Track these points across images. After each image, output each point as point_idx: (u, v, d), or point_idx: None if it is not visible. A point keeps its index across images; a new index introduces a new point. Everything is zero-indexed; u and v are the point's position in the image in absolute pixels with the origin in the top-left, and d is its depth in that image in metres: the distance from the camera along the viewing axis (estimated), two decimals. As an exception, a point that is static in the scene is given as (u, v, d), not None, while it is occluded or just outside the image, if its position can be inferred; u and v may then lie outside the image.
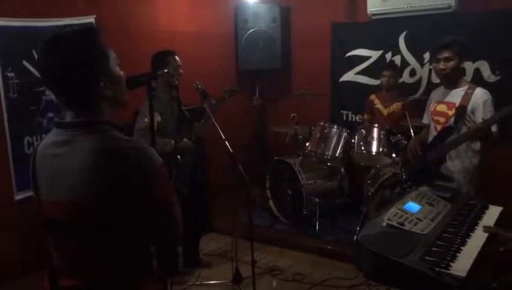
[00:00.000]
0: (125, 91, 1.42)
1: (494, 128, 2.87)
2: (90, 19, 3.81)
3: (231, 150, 2.98)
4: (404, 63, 4.66)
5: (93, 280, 1.32)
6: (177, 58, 3.45)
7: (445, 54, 3.01)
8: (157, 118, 3.27)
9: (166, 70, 2.76)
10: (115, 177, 1.25)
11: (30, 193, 1.43)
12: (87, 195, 1.25)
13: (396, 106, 4.27)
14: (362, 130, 4.09)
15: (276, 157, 4.63)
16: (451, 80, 3.12)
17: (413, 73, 4.65)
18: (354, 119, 5.02)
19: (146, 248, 1.40)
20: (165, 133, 3.27)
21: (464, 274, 1.66)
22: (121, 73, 1.40)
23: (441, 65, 3.03)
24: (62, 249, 1.34)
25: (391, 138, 4.02)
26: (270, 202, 4.66)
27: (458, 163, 3.08)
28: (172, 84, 3.24)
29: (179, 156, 3.34)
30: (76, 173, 1.25)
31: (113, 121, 1.35)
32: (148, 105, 1.81)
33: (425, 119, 3.44)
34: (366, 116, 4.59)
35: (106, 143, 1.28)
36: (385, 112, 4.38)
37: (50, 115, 3.70)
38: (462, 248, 1.89)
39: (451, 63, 3.02)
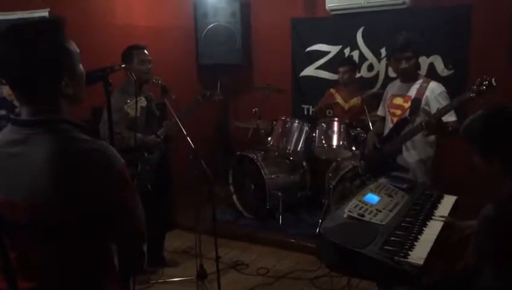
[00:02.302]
0: (84, 88, 1.38)
1: (453, 117, 2.98)
2: (44, 13, 3.68)
3: (193, 146, 2.96)
4: (362, 58, 4.76)
5: (52, 281, 1.29)
6: (145, 52, 3.37)
7: (406, 54, 3.14)
8: (143, 102, 3.31)
9: (123, 66, 2.70)
10: (75, 180, 1.20)
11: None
12: (43, 197, 1.20)
13: (356, 100, 4.36)
14: (323, 124, 4.15)
15: (238, 153, 4.63)
16: (409, 75, 3.23)
17: (371, 68, 4.75)
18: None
19: (107, 247, 1.37)
20: (129, 125, 3.21)
21: (421, 262, 1.73)
22: (83, 70, 1.35)
23: (404, 64, 3.16)
24: (20, 250, 1.29)
25: (351, 132, 4.10)
26: (234, 197, 4.66)
27: (414, 154, 3.19)
28: (133, 79, 3.18)
29: (146, 153, 3.30)
30: (35, 174, 1.20)
31: (72, 118, 1.30)
32: (115, 99, 1.77)
33: (380, 112, 3.54)
34: (318, 106, 4.61)
35: (65, 144, 1.23)
36: (346, 106, 4.46)
37: (2, 112, 3.55)
38: (419, 237, 1.96)
39: (412, 62, 3.16)
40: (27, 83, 1.25)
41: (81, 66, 1.33)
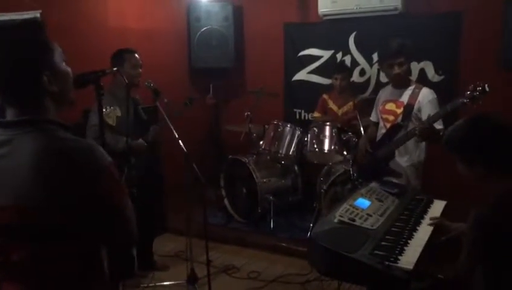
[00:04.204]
0: (72, 89, 1.37)
1: (440, 126, 3.01)
2: (36, 14, 3.66)
3: (185, 150, 2.95)
4: (354, 63, 4.78)
5: (40, 285, 1.27)
6: (136, 56, 3.36)
7: (399, 60, 3.15)
8: (117, 112, 3.23)
9: (115, 69, 2.69)
10: (61, 179, 1.20)
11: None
12: (32, 199, 1.19)
13: (349, 106, 4.38)
14: (314, 129, 4.17)
15: (230, 156, 4.63)
16: (402, 81, 3.25)
17: (362, 73, 4.78)
18: (306, 118, 5.10)
19: (96, 251, 1.36)
20: (119, 131, 3.19)
21: (411, 267, 1.74)
22: (68, 69, 1.35)
23: (396, 70, 3.17)
24: (5, 253, 1.27)
25: (342, 136, 4.11)
26: (225, 200, 4.66)
27: (407, 158, 3.22)
28: (124, 83, 3.17)
29: (132, 159, 3.28)
30: (19, 175, 1.19)
31: (59, 119, 1.30)
32: (101, 103, 1.77)
33: (373, 117, 3.56)
34: (316, 114, 4.65)
35: (50, 143, 1.23)
36: (339, 112, 4.47)
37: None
38: (409, 241, 1.97)
39: (404, 67, 3.18)
40: (7, 84, 1.25)
41: (64, 65, 1.33)
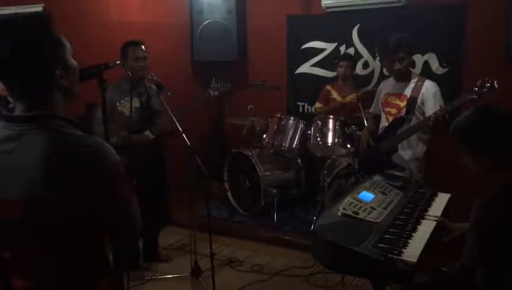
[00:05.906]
0: (78, 83, 1.38)
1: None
2: (38, 8, 3.65)
3: (188, 143, 2.95)
4: (358, 55, 4.76)
5: (48, 280, 1.28)
6: (142, 47, 3.35)
7: (399, 55, 3.12)
8: (136, 103, 3.28)
9: (118, 62, 2.69)
10: (69, 176, 1.19)
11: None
12: (37, 195, 1.19)
13: (352, 96, 4.36)
14: (318, 122, 4.16)
15: (234, 150, 4.63)
16: (403, 75, 3.23)
17: (366, 65, 4.76)
18: (310, 111, 5.08)
19: (102, 244, 1.36)
20: (122, 124, 3.19)
21: (414, 260, 1.74)
22: (76, 64, 1.35)
23: (397, 65, 3.14)
24: (12, 248, 1.28)
25: (346, 129, 4.11)
26: (228, 194, 4.67)
27: (410, 152, 3.21)
28: (128, 76, 3.16)
29: (134, 150, 3.29)
30: (26, 171, 1.19)
31: (67, 115, 1.30)
32: (108, 97, 1.77)
33: (373, 109, 3.54)
34: (318, 104, 4.64)
35: (59, 141, 1.23)
36: (342, 102, 4.45)
37: (-4, 109, 3.52)
38: (413, 234, 1.97)
39: (405, 62, 3.15)
40: (20, 77, 1.24)
41: (73, 60, 1.33)
